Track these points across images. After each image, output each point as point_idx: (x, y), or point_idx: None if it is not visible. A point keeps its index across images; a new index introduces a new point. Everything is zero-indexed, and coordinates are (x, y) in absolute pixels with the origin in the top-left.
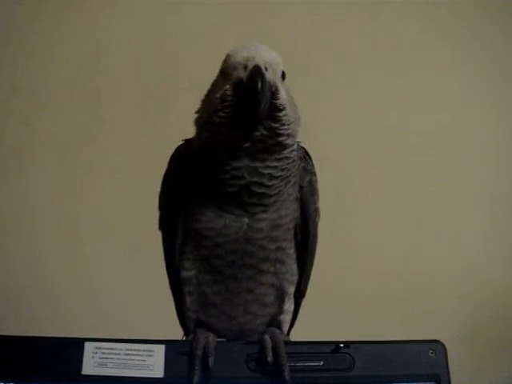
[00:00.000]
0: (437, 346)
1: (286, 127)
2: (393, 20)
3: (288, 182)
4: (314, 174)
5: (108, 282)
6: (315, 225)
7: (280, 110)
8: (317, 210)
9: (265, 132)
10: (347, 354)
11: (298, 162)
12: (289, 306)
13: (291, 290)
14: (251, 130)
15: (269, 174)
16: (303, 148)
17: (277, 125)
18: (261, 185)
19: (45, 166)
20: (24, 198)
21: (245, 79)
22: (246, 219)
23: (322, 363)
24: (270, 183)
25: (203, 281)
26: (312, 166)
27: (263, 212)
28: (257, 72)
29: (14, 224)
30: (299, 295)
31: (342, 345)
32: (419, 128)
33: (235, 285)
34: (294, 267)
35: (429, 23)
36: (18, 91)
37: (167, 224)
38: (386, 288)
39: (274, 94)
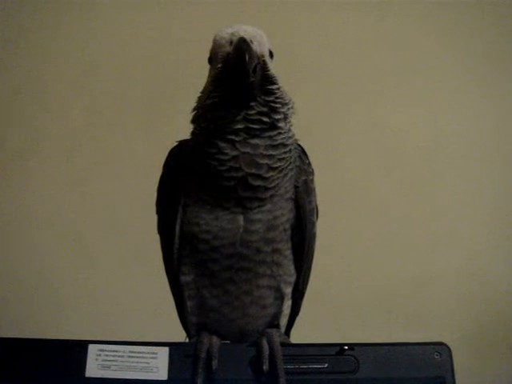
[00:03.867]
0: (442, 348)
1: (279, 103)
2: (396, 21)
3: (285, 175)
4: (311, 174)
5: (112, 284)
6: (312, 225)
7: (272, 83)
8: (313, 210)
9: (260, 108)
10: (352, 356)
11: (295, 156)
12: (287, 306)
13: (289, 290)
14: (246, 106)
15: (266, 164)
16: (299, 146)
17: (271, 98)
18: (258, 177)
19: (48, 169)
20: (27, 201)
21: (231, 51)
22: (241, 221)
23: (326, 365)
24: (267, 175)
25: (201, 285)
26: (308, 164)
27: (259, 207)
28: (242, 41)
29: (18, 227)
30: (298, 295)
31: (346, 347)
32: (421, 130)
33: (233, 288)
34: (292, 268)
35: (433, 24)
36: (22, 94)
37: (164, 228)
38: (390, 291)
39: (264, 65)
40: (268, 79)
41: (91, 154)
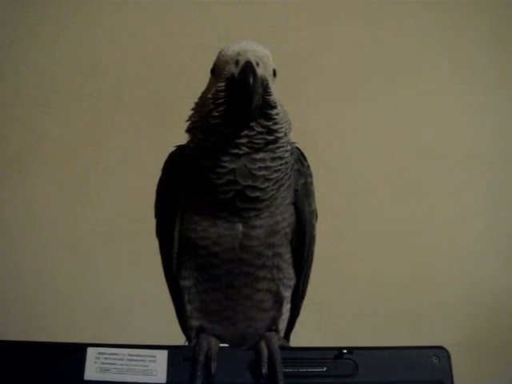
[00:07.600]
0: (440, 352)
1: (278, 126)
2: (397, 24)
3: (281, 186)
4: (310, 176)
5: (111, 287)
6: (312, 227)
7: (272, 108)
8: (313, 213)
9: (260, 129)
10: (350, 359)
11: (293, 163)
12: (286, 310)
13: (288, 293)
14: (245, 128)
15: (262, 175)
16: (298, 149)
17: (270, 123)
18: (255, 188)
19: (48, 172)
20: (28, 204)
21: (236, 75)
22: (240, 227)
23: (325, 369)
24: (263, 186)
25: (202, 289)
26: (307, 167)
27: (257, 216)
28: (248, 67)
29: (18, 229)
30: (298, 297)
31: (345, 351)
32: (421, 134)
33: (233, 292)
34: (291, 271)
35: (435, 28)
36: (22, 97)
37: (163, 233)
38: (389, 294)
39: (266, 89)
40: (268, 104)
41: (91, 156)
